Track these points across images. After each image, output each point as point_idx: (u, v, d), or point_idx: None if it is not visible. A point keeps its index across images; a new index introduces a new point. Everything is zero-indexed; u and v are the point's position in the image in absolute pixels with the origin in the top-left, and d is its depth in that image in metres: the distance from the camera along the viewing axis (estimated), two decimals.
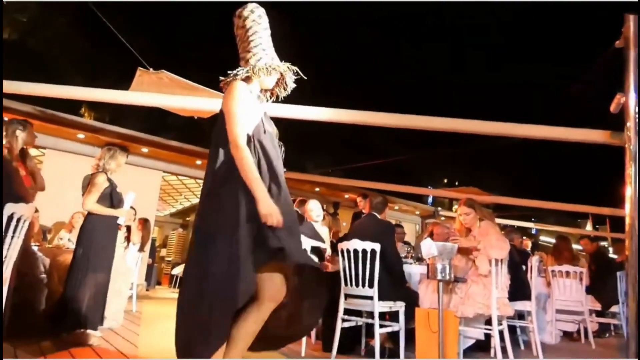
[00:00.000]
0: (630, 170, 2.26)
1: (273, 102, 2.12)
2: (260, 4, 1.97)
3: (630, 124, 2.22)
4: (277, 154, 1.88)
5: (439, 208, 14.17)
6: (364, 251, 3.19)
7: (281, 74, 1.98)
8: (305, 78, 2.00)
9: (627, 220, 2.23)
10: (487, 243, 3.13)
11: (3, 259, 1.89)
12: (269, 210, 1.65)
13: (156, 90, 4.31)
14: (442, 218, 12.40)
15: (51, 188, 5.04)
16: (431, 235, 5.38)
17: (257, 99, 1.94)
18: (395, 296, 3.29)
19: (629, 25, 2.32)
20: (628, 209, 2.21)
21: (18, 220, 1.90)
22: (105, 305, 3.56)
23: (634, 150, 2.23)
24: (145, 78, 4.19)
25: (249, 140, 1.78)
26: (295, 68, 1.97)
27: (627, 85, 2.25)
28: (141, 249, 5.92)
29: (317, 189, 9.54)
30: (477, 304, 3.07)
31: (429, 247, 2.99)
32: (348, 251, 3.28)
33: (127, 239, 5.42)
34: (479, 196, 8.67)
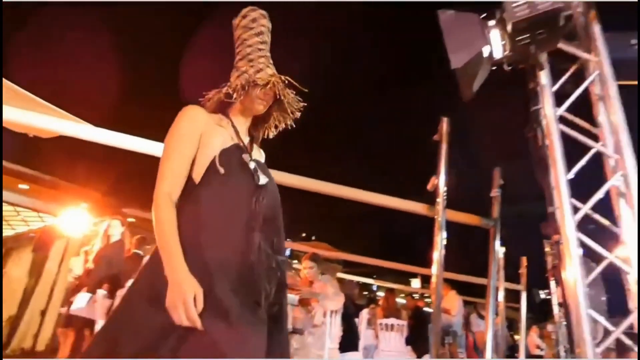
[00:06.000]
0: (438, 238, 2.78)
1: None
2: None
3: (440, 200, 2.78)
4: None
5: (295, 261, 14.51)
6: None
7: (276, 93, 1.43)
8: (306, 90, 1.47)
9: (433, 279, 2.71)
10: (325, 295, 3.38)
11: None
12: None
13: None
14: (292, 272, 12.67)
15: None
16: None
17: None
18: None
19: (442, 124, 2.97)
20: (435, 269, 2.70)
21: None
22: None
23: (442, 222, 2.78)
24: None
25: None
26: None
27: (438, 171, 2.84)
28: None
29: None
30: (312, 354, 3.23)
31: None
32: None
33: None
34: (329, 252, 9.36)
